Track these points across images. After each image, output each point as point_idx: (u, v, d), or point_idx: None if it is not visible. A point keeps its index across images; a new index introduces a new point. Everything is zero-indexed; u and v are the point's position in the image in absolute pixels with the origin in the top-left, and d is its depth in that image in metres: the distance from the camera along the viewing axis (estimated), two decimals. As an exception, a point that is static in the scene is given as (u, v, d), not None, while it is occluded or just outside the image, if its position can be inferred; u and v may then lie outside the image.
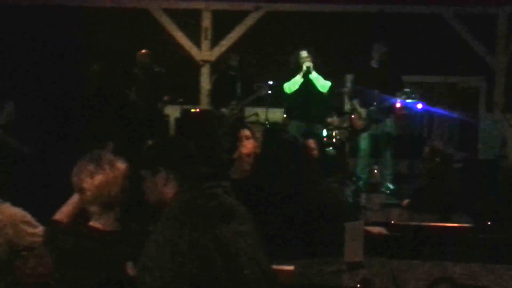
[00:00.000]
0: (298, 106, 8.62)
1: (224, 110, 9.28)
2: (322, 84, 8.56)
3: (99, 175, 2.80)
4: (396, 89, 8.48)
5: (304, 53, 8.60)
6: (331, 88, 8.68)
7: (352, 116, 8.79)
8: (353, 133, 8.93)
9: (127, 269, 2.63)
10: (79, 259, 2.60)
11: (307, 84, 8.52)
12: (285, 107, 9.14)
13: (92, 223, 2.76)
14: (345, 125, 9.36)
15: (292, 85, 8.51)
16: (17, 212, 3.49)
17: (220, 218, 2.55)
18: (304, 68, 8.45)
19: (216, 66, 10.35)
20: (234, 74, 9.46)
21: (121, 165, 2.89)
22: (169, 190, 2.69)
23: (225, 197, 2.63)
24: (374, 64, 8.66)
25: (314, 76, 8.51)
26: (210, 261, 2.42)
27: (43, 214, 3.49)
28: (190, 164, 2.77)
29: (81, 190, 2.83)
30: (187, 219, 2.51)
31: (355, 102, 8.70)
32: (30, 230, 3.46)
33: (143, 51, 9.62)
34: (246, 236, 2.60)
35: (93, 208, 2.82)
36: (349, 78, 9.95)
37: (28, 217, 3.51)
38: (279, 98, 9.05)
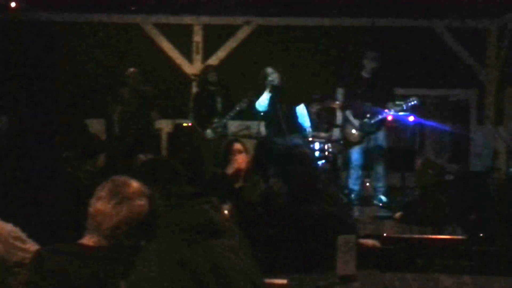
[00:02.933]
0: (270, 120, 8.60)
1: (208, 131, 9.20)
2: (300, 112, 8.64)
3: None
4: (387, 100, 8.50)
5: (269, 70, 8.60)
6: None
7: (346, 128, 8.80)
8: (346, 145, 8.94)
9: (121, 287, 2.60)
10: (68, 278, 2.56)
11: (275, 100, 8.51)
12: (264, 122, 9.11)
13: (83, 241, 2.72)
14: (337, 138, 9.36)
15: (262, 102, 8.49)
16: (7, 227, 3.46)
17: (209, 233, 2.54)
18: (269, 85, 8.47)
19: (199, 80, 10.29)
20: (213, 90, 9.38)
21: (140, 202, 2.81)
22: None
23: (213, 213, 2.63)
24: (365, 74, 8.68)
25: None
26: (200, 277, 2.41)
27: (33, 229, 3.47)
28: (177, 183, 2.78)
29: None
30: (176, 236, 2.50)
31: (348, 114, 8.72)
32: (21, 245, 3.43)
33: (132, 69, 9.60)
34: (237, 250, 2.59)
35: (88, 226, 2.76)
36: (340, 91, 9.95)
37: (18, 232, 3.48)
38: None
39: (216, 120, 9.11)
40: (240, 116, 9.21)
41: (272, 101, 8.39)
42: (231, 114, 9.09)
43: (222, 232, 2.60)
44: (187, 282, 2.39)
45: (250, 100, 8.85)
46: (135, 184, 2.78)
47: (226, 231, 2.63)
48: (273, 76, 8.45)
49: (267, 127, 8.67)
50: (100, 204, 2.71)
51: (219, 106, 9.32)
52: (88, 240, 2.70)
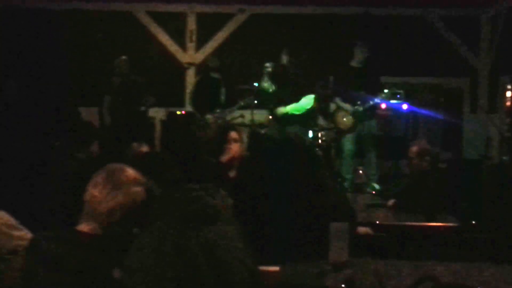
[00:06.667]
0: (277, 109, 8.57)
1: (209, 116, 9.20)
2: (306, 103, 8.54)
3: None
4: (375, 90, 8.51)
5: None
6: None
7: (337, 117, 8.77)
8: (339, 133, 8.92)
9: (114, 275, 2.61)
10: (63, 264, 2.57)
11: (283, 87, 8.46)
12: (270, 109, 9.06)
13: (79, 227, 2.74)
14: (331, 126, 9.34)
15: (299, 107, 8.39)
16: (0, 215, 3.47)
17: (204, 220, 2.55)
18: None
19: (200, 69, 10.31)
20: (216, 78, 9.35)
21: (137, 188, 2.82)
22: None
23: (209, 199, 2.63)
24: (354, 63, 8.66)
25: (295, 107, 8.47)
26: (195, 264, 2.42)
27: (27, 216, 3.47)
28: (168, 170, 2.81)
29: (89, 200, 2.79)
30: (171, 223, 2.51)
31: (338, 100, 8.70)
32: (14, 233, 3.43)
33: (122, 57, 9.58)
34: (232, 237, 2.60)
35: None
36: (332, 79, 9.95)
37: (12, 220, 3.48)
38: (263, 100, 8.96)
39: (218, 110, 9.12)
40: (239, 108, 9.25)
41: (279, 89, 8.41)
42: (235, 108, 9.12)
43: (217, 218, 2.61)
44: (182, 269, 2.40)
45: (256, 94, 8.84)
46: (130, 171, 2.81)
47: (222, 218, 2.64)
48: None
49: (272, 114, 8.67)
50: (95, 190, 2.73)
51: (222, 98, 9.32)
52: (83, 226, 2.72)
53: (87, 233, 2.70)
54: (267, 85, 8.48)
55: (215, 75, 9.42)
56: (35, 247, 2.67)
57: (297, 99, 8.43)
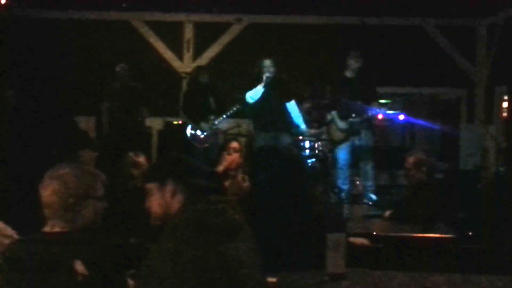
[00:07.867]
0: (262, 116, 8.53)
1: (204, 124, 9.21)
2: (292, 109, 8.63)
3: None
4: (370, 99, 8.51)
5: (267, 62, 8.43)
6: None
7: (330, 127, 8.78)
8: (331, 144, 8.92)
9: (76, 267, 2.62)
10: (24, 262, 2.65)
11: (269, 94, 8.43)
12: (252, 119, 8.98)
13: (44, 228, 2.80)
14: (325, 136, 9.35)
15: (254, 94, 8.26)
16: (-2, 225, 3.46)
17: (226, 235, 2.54)
18: (264, 77, 8.25)
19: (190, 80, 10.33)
20: (204, 90, 9.40)
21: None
22: (176, 201, 2.73)
23: (232, 213, 2.63)
24: (348, 74, 8.67)
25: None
26: (211, 277, 2.42)
27: (19, 223, 3.47)
28: (195, 177, 2.81)
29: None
30: (192, 235, 2.50)
31: (334, 114, 8.69)
32: (6, 241, 3.42)
33: (121, 65, 9.58)
34: (249, 252, 2.60)
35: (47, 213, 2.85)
36: (329, 89, 9.96)
37: (9, 230, 3.47)
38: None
39: (212, 117, 9.17)
40: (232, 115, 9.28)
41: (266, 95, 8.31)
42: (225, 116, 9.16)
43: (237, 234, 2.60)
44: (196, 281, 2.40)
45: (242, 103, 8.80)
46: (68, 167, 2.86)
47: (241, 233, 2.63)
48: (270, 69, 8.35)
49: (256, 122, 8.64)
50: (41, 192, 2.81)
51: (212, 105, 9.36)
52: (48, 226, 2.79)
53: (50, 232, 2.77)
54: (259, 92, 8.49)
55: (203, 88, 9.40)
56: (5, 253, 2.76)
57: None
